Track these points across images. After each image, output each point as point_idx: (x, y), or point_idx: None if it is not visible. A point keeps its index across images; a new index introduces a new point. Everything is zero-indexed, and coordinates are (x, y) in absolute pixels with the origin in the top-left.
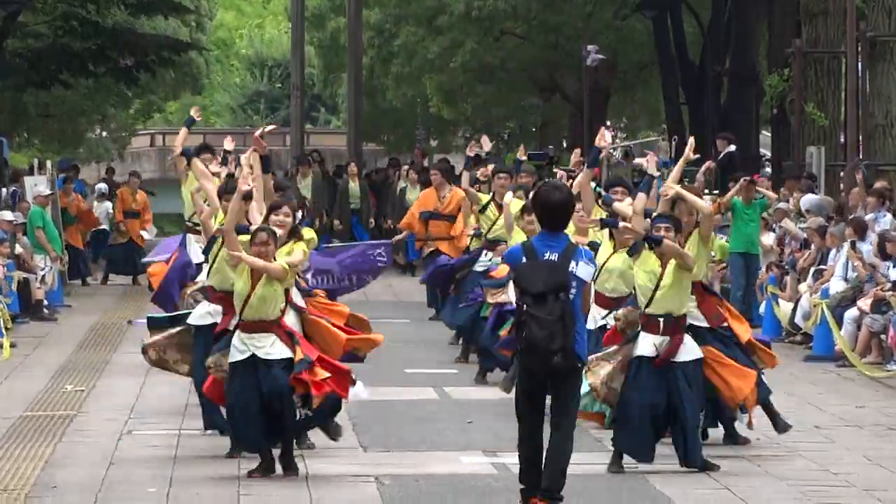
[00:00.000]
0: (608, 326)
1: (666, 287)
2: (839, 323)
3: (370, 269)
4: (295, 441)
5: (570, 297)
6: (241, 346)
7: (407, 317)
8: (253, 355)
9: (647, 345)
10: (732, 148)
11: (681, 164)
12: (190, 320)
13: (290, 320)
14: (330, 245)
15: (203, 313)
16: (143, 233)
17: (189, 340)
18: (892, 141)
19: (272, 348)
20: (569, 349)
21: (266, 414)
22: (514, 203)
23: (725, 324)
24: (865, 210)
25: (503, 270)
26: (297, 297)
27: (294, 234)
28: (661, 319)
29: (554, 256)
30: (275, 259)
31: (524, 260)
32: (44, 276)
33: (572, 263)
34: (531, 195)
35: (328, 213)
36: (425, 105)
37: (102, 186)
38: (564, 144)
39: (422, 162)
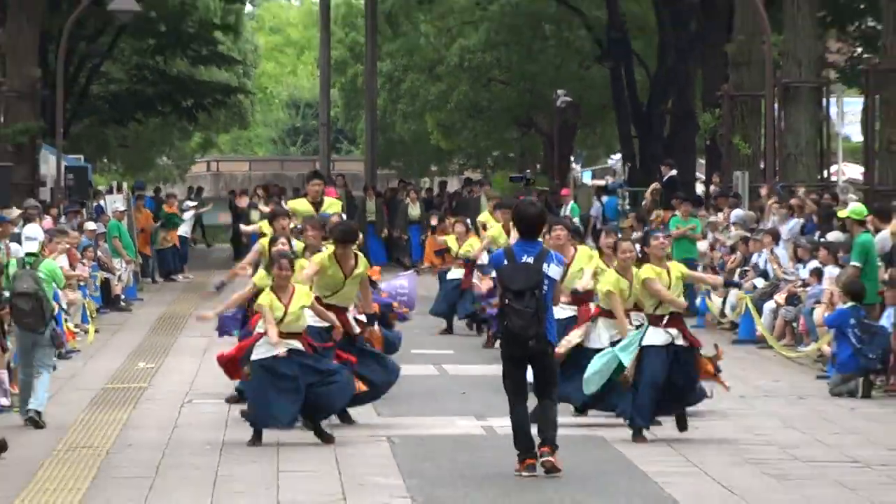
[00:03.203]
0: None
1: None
2: (760, 313)
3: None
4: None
5: (543, 292)
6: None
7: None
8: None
9: (657, 336)
10: (674, 172)
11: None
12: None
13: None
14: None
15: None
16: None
17: None
18: (801, 167)
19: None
20: (541, 335)
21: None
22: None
23: None
24: (768, 218)
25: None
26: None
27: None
28: (667, 316)
29: (530, 259)
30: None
31: (505, 262)
32: (120, 276)
33: (545, 265)
34: (512, 210)
35: None
36: (427, 138)
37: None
38: (538, 168)
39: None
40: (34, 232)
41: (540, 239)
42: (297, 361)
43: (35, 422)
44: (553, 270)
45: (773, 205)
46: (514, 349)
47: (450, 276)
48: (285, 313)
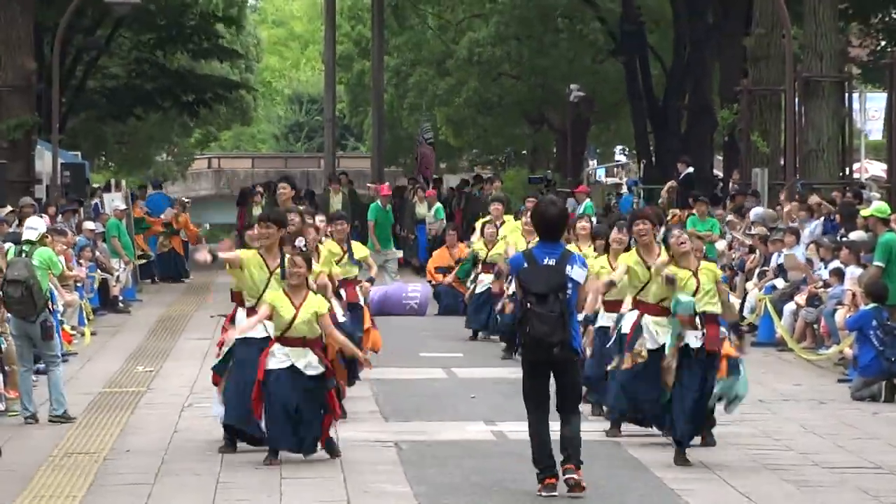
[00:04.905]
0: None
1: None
2: (780, 315)
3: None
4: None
5: (567, 296)
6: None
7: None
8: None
9: (692, 337)
10: (691, 170)
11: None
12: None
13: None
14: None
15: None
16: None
17: None
18: (822, 164)
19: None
20: (566, 342)
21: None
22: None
23: None
24: (793, 220)
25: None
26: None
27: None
28: (699, 317)
29: (552, 262)
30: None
31: (525, 265)
32: (119, 276)
33: (568, 267)
34: (531, 210)
35: (355, 226)
36: (436, 134)
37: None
38: (551, 166)
39: (429, 178)
40: (36, 223)
41: (562, 241)
42: (293, 385)
43: (62, 419)
44: (576, 273)
45: (792, 210)
46: (536, 355)
47: (478, 290)
48: (295, 317)
